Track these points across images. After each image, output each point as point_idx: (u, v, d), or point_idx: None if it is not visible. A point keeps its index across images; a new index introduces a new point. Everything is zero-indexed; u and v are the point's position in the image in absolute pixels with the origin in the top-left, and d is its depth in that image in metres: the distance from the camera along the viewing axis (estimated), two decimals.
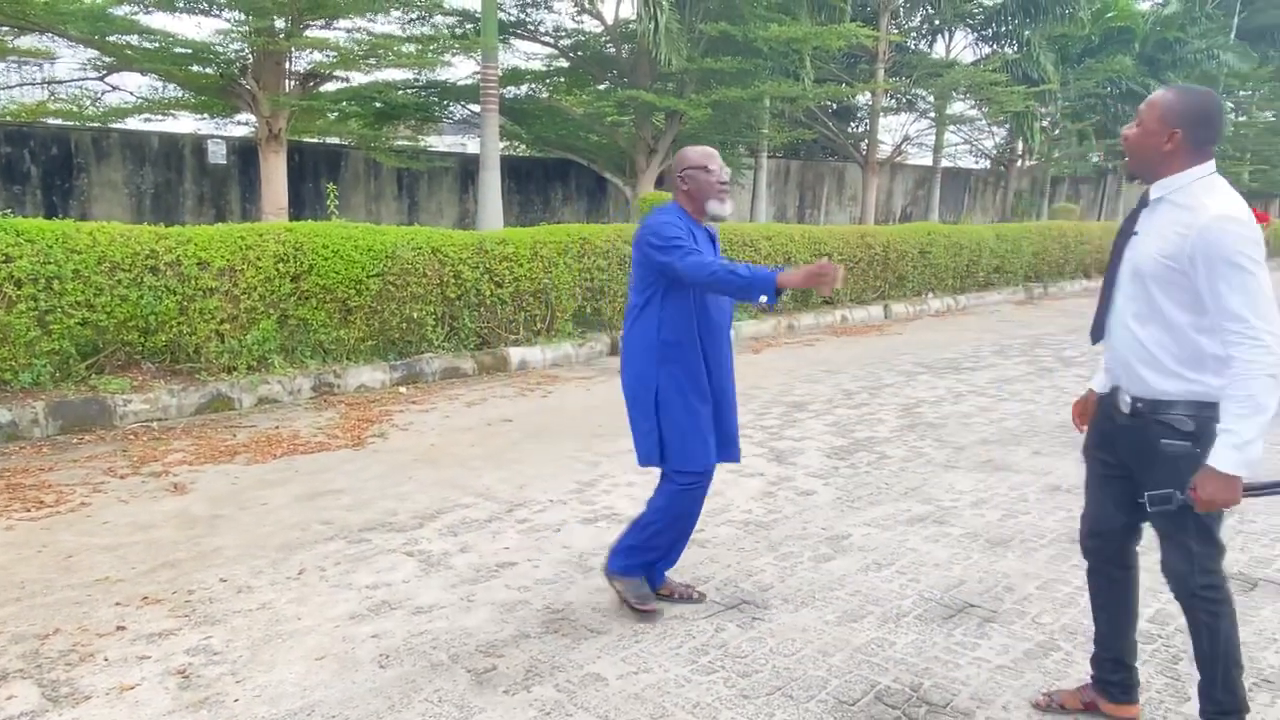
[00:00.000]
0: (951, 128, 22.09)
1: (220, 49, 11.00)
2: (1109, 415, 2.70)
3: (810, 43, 14.50)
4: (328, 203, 9.19)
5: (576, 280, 8.87)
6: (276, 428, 6.09)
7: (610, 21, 15.07)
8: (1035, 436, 6.29)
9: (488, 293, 8.11)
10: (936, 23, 21.16)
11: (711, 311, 3.43)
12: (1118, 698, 2.79)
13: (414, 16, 13.68)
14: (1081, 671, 3.10)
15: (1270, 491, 2.43)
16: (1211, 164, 2.48)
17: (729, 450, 3.52)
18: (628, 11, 14.61)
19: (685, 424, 3.32)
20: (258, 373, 6.76)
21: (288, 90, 11.86)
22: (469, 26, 14.01)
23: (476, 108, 13.01)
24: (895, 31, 19.58)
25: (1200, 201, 2.40)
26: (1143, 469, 2.56)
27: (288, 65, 11.99)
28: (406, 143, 15.50)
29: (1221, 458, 2.33)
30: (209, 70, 11.15)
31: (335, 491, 4.86)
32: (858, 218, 20.54)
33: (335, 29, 12.31)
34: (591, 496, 4.87)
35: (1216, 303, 2.33)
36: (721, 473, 5.27)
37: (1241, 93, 31.76)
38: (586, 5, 14.68)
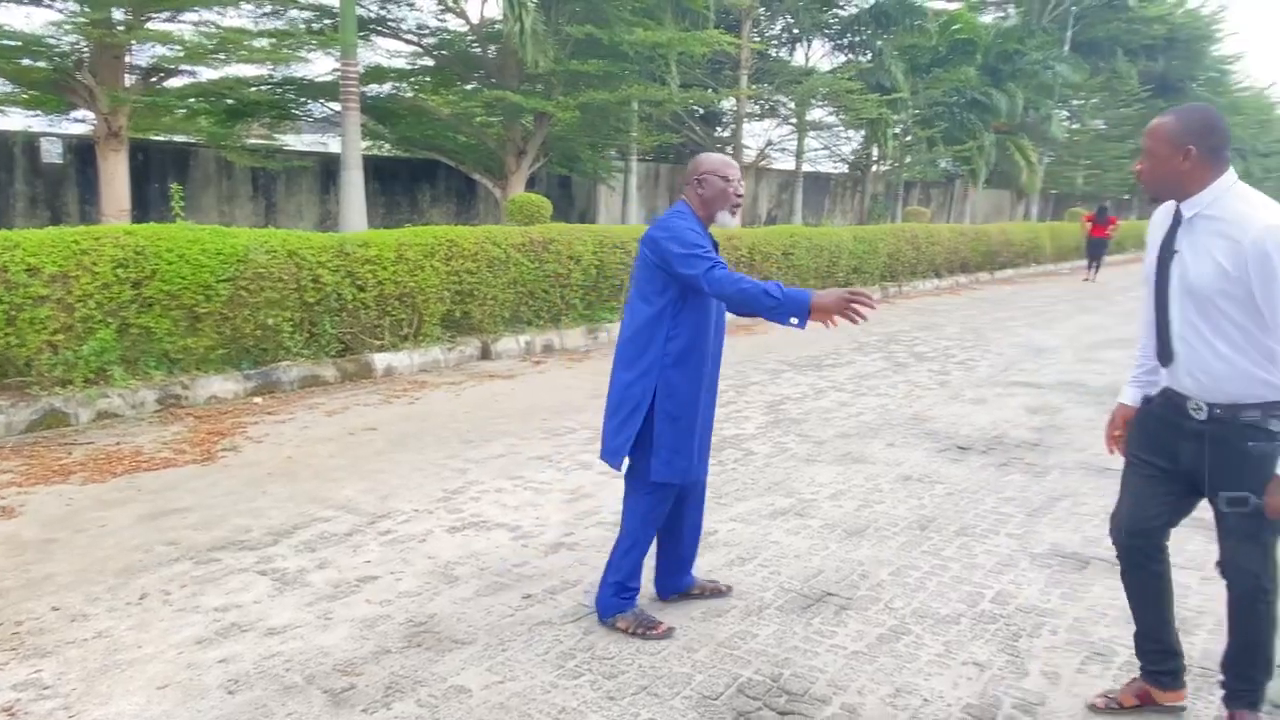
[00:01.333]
0: (812, 133, 22.86)
1: (53, 41, 10.26)
2: (1170, 422, 2.71)
3: (675, 48, 14.73)
4: (172, 204, 8.69)
5: (445, 283, 8.70)
6: (117, 444, 5.72)
7: (475, 21, 14.89)
8: (890, 429, 6.57)
9: (350, 297, 7.85)
10: (796, 31, 21.87)
11: (719, 322, 3.36)
12: (1169, 685, 2.87)
13: (267, 10, 13.15)
14: (931, 654, 3.25)
15: None
16: (1233, 172, 2.57)
17: (703, 464, 3.46)
18: (493, 11, 14.42)
19: (679, 438, 3.24)
20: (96, 386, 6.33)
21: (129, 86, 11.19)
22: (327, 22, 13.56)
23: (337, 106, 12.60)
24: (757, 39, 20.12)
25: (1240, 212, 2.48)
26: (1220, 471, 2.58)
27: (128, 59, 11.31)
28: (261, 141, 14.87)
29: None
30: (41, 64, 10.38)
31: (182, 510, 4.60)
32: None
33: (181, 22, 11.70)
34: (459, 504, 4.78)
35: (1274, 315, 2.43)
36: (593, 474, 5.29)
37: (1075, 102, 34.16)
38: (450, 4, 14.45)
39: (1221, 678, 2.80)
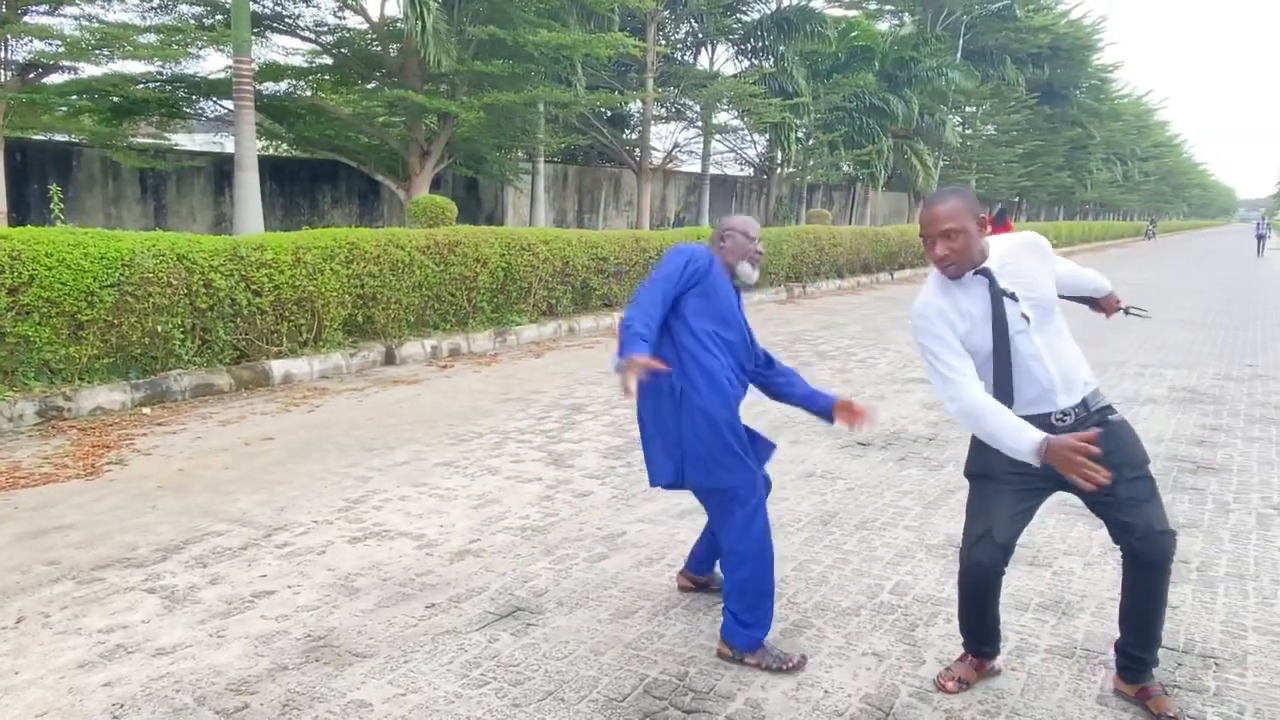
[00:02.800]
0: (718, 137, 23.15)
1: None
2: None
3: (580, 50, 14.72)
4: (52, 206, 8.26)
5: (345, 287, 8.50)
6: None
7: (376, 19, 14.58)
8: (793, 427, 6.69)
9: (244, 302, 7.59)
10: (700, 36, 22.12)
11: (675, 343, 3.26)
12: (993, 655, 3.14)
13: (154, 5, 12.63)
14: (832, 647, 3.33)
15: None
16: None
17: (661, 471, 3.42)
18: (394, 10, 14.13)
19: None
20: None
21: (3, 82, 10.59)
22: (219, 18, 13.09)
23: (230, 104, 12.17)
24: (662, 43, 20.28)
25: (1010, 240, 2.92)
26: (1111, 454, 2.69)
27: (4, 54, 10.71)
28: (150, 141, 14.24)
29: None
30: None
31: (64, 528, 4.37)
32: (634, 222, 21.05)
33: (61, 15, 11.14)
34: (360, 514, 4.67)
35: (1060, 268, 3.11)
36: (499, 480, 5.25)
37: (968, 108, 35.51)
38: (349, 2, 14.12)
39: (1122, 650, 2.97)
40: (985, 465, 2.91)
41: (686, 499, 5.00)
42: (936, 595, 3.79)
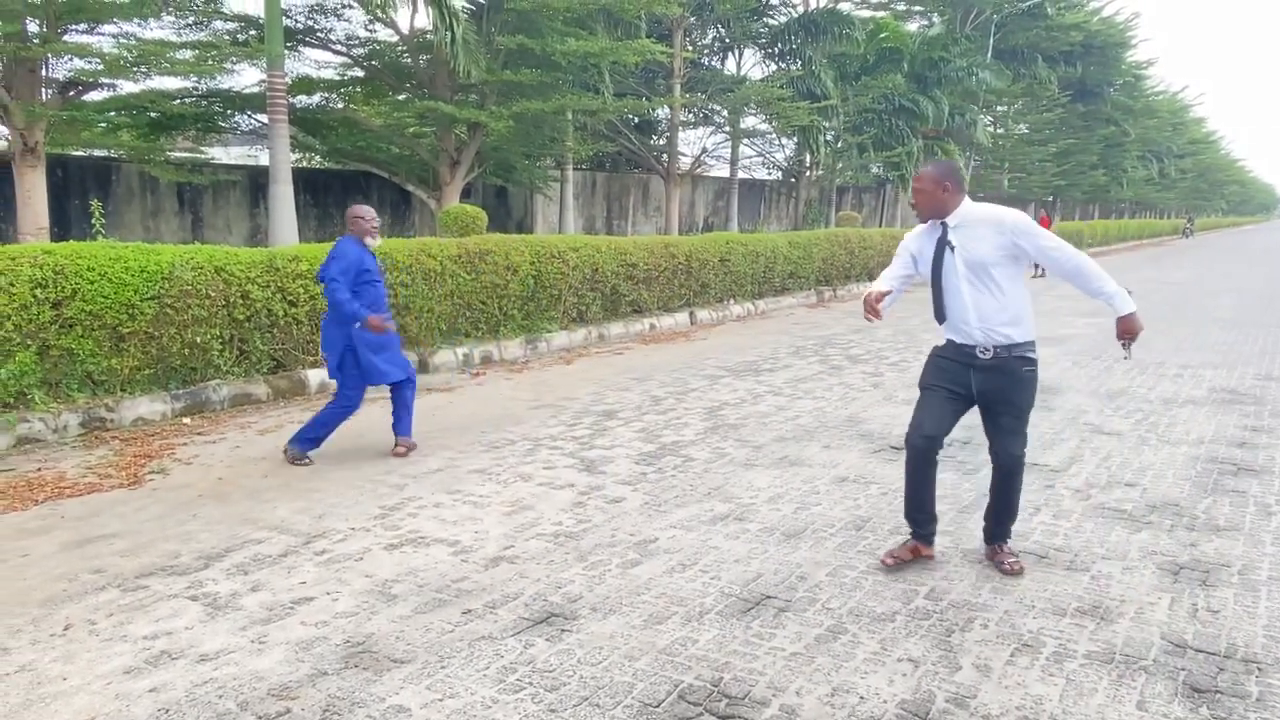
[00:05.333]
0: (745, 141, 23.10)
1: None
2: (961, 363, 3.94)
3: (607, 57, 14.77)
4: (93, 221, 8.44)
5: None
6: (39, 470, 5.53)
7: (406, 31, 14.74)
8: (826, 431, 6.67)
9: (281, 313, 7.71)
10: (727, 41, 22.09)
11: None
12: (929, 542, 4.17)
13: (190, 22, 12.86)
14: (867, 652, 3.32)
15: None
16: (968, 197, 3.99)
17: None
18: (424, 22, 14.27)
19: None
20: (15, 410, 6.11)
21: (45, 100, 10.84)
22: (252, 33, 13.30)
23: (265, 118, 12.35)
24: (689, 48, 20.28)
25: (986, 213, 3.89)
26: (1004, 390, 3.90)
27: (44, 73, 10.96)
28: (187, 155, 14.48)
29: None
30: None
31: (108, 536, 4.47)
32: (663, 228, 21.08)
33: (99, 34, 11.38)
34: (396, 521, 4.73)
35: (1048, 252, 3.87)
36: (532, 486, 5.29)
37: (999, 107, 35.14)
38: (379, 15, 14.29)
39: (985, 526, 4.20)
40: (924, 379, 4.11)
41: (719, 504, 5.02)
42: (973, 601, 3.77)
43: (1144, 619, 3.60)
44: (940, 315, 3.97)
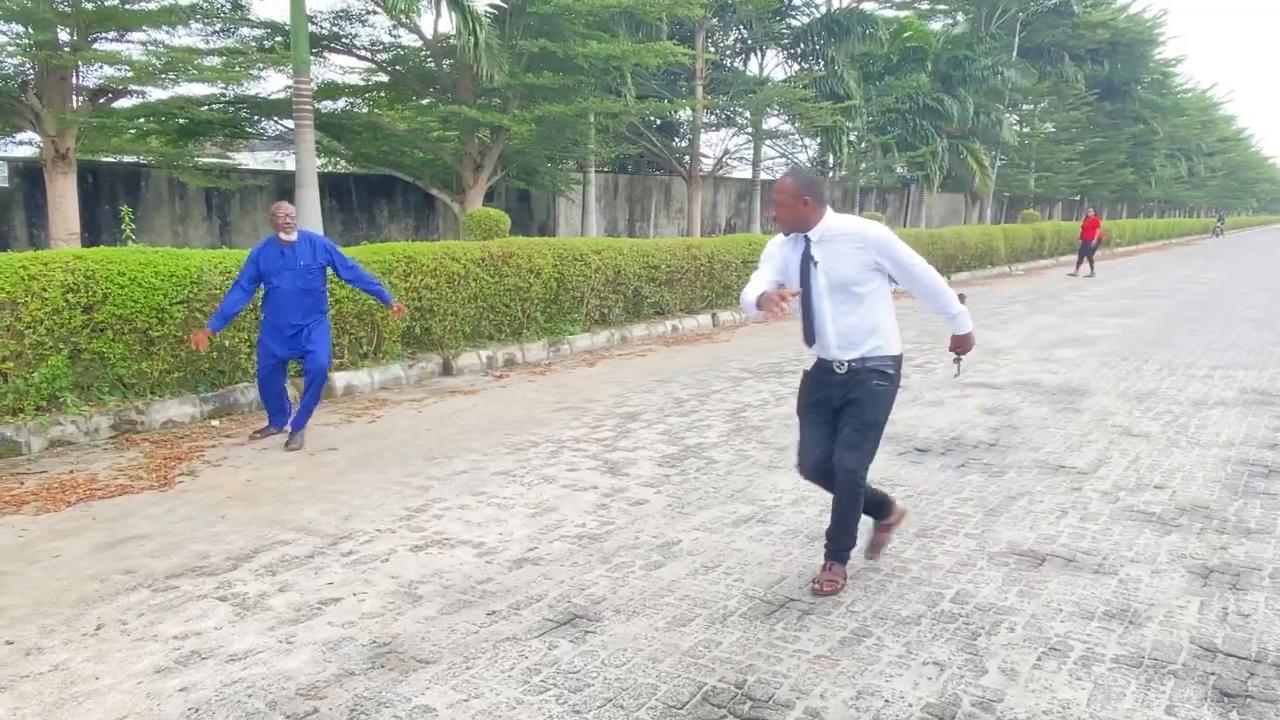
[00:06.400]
0: (768, 142, 23.04)
1: None
2: (823, 379, 3.85)
3: (629, 60, 14.79)
4: (123, 227, 8.56)
5: (403, 300, 8.65)
6: (71, 472, 5.62)
7: (430, 36, 14.83)
8: None
9: None
10: (749, 42, 22.05)
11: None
12: (846, 559, 3.97)
13: (217, 29, 13.01)
14: (891, 655, 3.31)
15: None
16: (829, 209, 3.80)
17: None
18: (447, 26, 14.37)
19: None
20: (48, 413, 6.22)
21: (76, 107, 11.01)
22: (278, 40, 13.45)
23: (291, 123, 12.48)
24: (711, 50, 20.27)
25: (848, 227, 3.74)
26: (856, 403, 3.75)
27: (75, 80, 11.13)
28: (214, 160, 14.66)
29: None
30: None
31: (139, 537, 4.53)
32: (685, 230, 21.07)
33: (128, 42, 11.54)
34: (422, 523, 4.76)
35: (910, 270, 3.78)
36: (556, 488, 5.31)
37: (1025, 106, 34.82)
38: (403, 20, 14.40)
39: (826, 543, 3.95)
40: (797, 404, 4.03)
41: (743, 506, 5.01)
42: (999, 604, 3.74)
43: (1173, 622, 3.56)
44: (809, 338, 3.85)
